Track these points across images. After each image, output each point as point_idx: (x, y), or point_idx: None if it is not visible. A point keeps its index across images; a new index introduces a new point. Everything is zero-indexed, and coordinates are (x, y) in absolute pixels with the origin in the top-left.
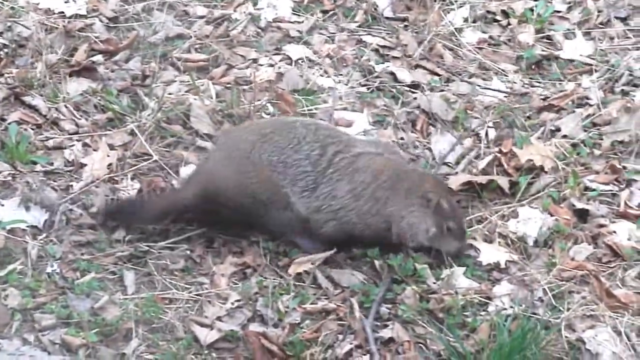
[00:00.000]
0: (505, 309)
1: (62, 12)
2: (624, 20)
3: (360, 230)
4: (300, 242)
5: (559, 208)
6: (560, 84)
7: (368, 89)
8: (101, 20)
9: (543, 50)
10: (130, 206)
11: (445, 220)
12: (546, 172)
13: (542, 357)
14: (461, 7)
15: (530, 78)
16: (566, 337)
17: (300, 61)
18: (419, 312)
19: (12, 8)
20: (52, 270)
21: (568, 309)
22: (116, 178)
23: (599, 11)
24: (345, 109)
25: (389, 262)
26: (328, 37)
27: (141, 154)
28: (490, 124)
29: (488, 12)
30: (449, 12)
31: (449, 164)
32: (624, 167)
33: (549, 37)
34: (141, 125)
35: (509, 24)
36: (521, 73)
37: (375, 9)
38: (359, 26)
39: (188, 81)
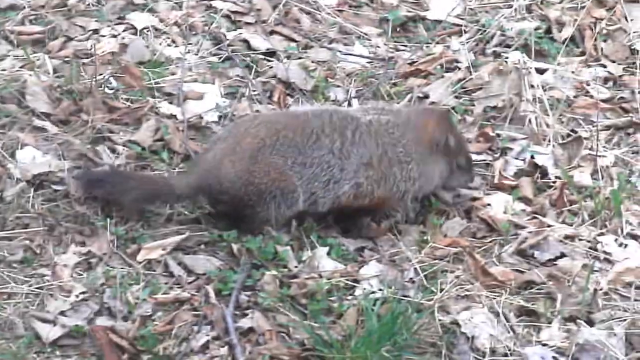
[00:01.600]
0: (373, 292)
1: None
2: None
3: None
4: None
5: None
6: (427, 47)
7: (219, 58)
8: None
9: (408, 11)
10: (112, 178)
11: (455, 157)
12: None
13: (415, 343)
14: None
15: (395, 41)
16: (440, 320)
17: (145, 30)
18: (280, 298)
19: None
20: None
21: (441, 290)
22: None
23: None
24: (195, 80)
25: (247, 245)
26: (175, 3)
27: None
28: (353, 93)
29: None
30: None
31: None
32: (498, 135)
33: None
34: None
35: None
36: (385, 36)
37: None
38: None
39: (23, 56)
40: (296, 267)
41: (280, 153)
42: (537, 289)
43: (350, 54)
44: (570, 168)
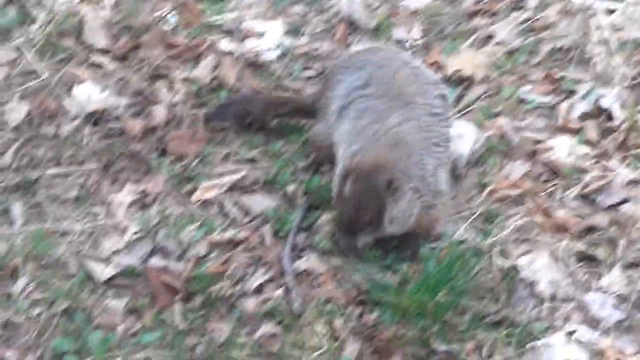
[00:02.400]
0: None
1: None
2: None
3: None
4: None
5: (492, 122)
6: None
7: None
8: None
9: None
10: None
11: None
12: (477, 83)
13: (472, 288)
14: None
15: None
16: (498, 264)
17: None
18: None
19: None
20: None
21: (501, 234)
22: (1, 99)
23: None
24: (255, 17)
25: (305, 186)
26: None
27: (29, 72)
28: (417, 32)
29: None
30: None
31: None
32: (563, 77)
33: None
34: (29, 40)
35: None
36: None
37: None
38: None
39: None
40: None
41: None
42: (599, 235)
43: None
44: (636, 111)
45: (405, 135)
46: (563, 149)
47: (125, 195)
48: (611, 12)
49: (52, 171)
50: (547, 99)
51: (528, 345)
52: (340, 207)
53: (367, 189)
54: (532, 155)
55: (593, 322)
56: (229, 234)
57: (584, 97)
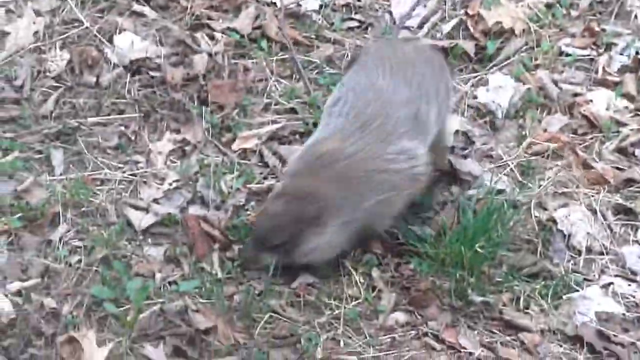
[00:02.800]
0: (470, 187)
1: None
2: None
3: None
4: None
5: (531, 75)
6: None
7: None
8: None
9: None
10: None
11: None
12: (517, 36)
13: (510, 239)
14: None
15: None
16: (536, 216)
17: None
18: None
19: None
20: None
21: (539, 186)
22: (43, 47)
23: None
24: None
25: None
26: None
27: (71, 21)
28: None
29: None
30: None
31: (411, 28)
32: (603, 30)
33: None
34: None
35: None
36: None
37: None
38: None
39: None
40: None
41: None
42: (637, 188)
43: None
44: None
45: (352, 170)
46: (602, 102)
47: (164, 144)
48: None
49: (92, 119)
50: (586, 52)
51: (564, 297)
52: (261, 220)
53: (290, 215)
54: (570, 108)
55: (629, 275)
56: (267, 183)
57: (623, 50)
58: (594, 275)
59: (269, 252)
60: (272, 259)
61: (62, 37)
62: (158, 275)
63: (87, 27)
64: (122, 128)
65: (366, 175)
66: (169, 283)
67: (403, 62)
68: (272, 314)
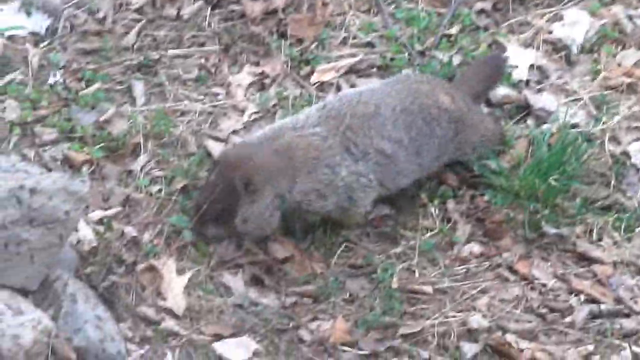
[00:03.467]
0: (544, 121)
1: None
2: None
3: None
4: None
5: (607, 10)
6: None
7: None
8: None
9: None
10: None
11: None
12: None
13: (583, 172)
14: None
15: None
16: (610, 150)
17: None
18: None
19: None
20: (55, 81)
21: (613, 120)
22: None
23: None
24: None
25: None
26: None
27: None
28: None
29: None
30: None
31: None
32: None
33: None
34: None
35: None
36: None
37: None
38: None
39: None
40: None
41: None
42: None
43: None
44: None
45: (297, 148)
46: None
47: (244, 77)
48: None
49: (173, 52)
50: None
51: (637, 230)
52: (200, 191)
53: (224, 183)
54: None
55: None
56: None
57: None
58: None
59: (210, 224)
60: (215, 232)
61: None
62: None
63: None
64: (202, 61)
65: (311, 160)
66: None
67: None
68: (349, 244)
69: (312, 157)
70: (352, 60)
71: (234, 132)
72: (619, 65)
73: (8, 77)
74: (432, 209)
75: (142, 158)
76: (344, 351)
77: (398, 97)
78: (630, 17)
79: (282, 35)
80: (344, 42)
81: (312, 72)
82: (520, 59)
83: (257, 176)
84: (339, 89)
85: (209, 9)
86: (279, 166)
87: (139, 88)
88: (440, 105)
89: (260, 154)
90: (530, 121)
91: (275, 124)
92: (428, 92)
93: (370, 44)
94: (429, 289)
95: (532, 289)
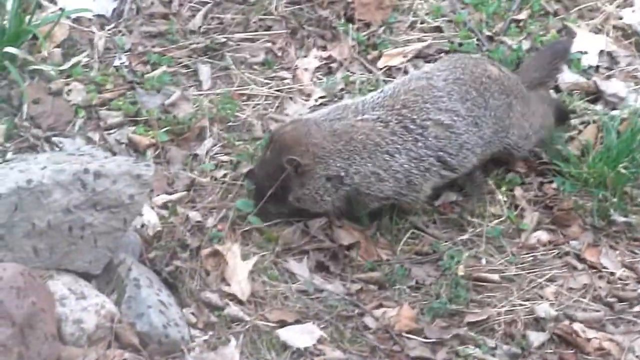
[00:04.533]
0: (614, 108)
1: None
2: None
3: None
4: None
5: None
6: None
7: None
8: None
9: None
10: None
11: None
12: None
13: None
14: None
15: None
16: None
17: None
18: None
19: None
20: (121, 63)
21: None
22: None
23: None
24: None
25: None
26: None
27: None
28: None
29: None
30: None
31: None
32: None
33: None
34: None
35: None
36: None
37: None
38: None
39: None
40: None
41: None
42: None
43: None
44: None
45: (357, 132)
46: None
47: (311, 61)
48: None
49: (239, 35)
50: None
51: None
52: (256, 169)
53: (276, 162)
54: None
55: None
56: None
57: None
58: None
59: (270, 201)
60: (277, 208)
61: None
62: None
63: None
64: (269, 44)
65: (372, 145)
66: None
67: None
68: (415, 231)
69: (373, 142)
70: (420, 45)
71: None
72: None
73: (74, 60)
74: (500, 196)
75: (208, 142)
76: (409, 339)
77: (448, 69)
78: None
79: (350, 19)
80: (411, 26)
81: (379, 57)
82: (590, 44)
83: (307, 158)
84: (406, 73)
85: None
86: (336, 148)
87: (205, 71)
88: (489, 75)
89: (315, 134)
90: (599, 107)
91: (336, 104)
92: (475, 63)
93: (438, 29)
94: (495, 277)
95: (600, 277)
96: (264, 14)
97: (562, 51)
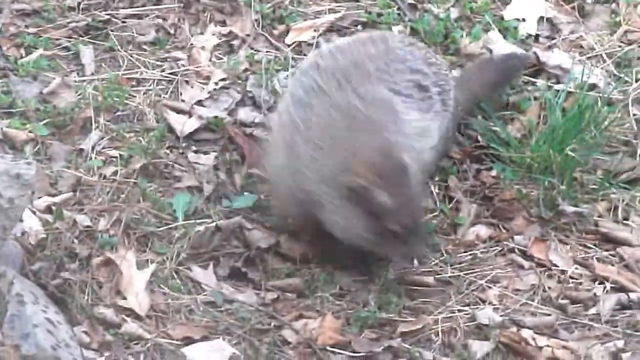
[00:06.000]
0: (558, 81)
1: None
2: None
3: None
4: None
5: None
6: None
7: None
8: None
9: None
10: None
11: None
12: None
13: (604, 140)
14: None
15: None
16: (634, 114)
17: None
18: None
19: None
20: None
21: (637, 80)
22: None
23: None
24: None
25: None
26: None
27: None
28: None
29: None
30: None
31: None
32: None
33: None
34: None
35: None
36: None
37: None
38: None
39: None
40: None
41: None
42: None
43: None
44: None
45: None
46: None
47: (208, 38)
48: None
49: (125, 11)
50: None
51: None
52: None
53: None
54: None
55: None
56: None
57: None
58: None
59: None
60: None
61: None
62: (206, 188)
63: None
64: (160, 20)
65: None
66: (219, 197)
67: None
68: None
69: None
70: (333, 17)
71: (199, 102)
72: None
73: None
74: (431, 187)
75: (94, 135)
76: (335, 353)
77: None
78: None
79: None
80: None
81: (287, 31)
82: (528, 11)
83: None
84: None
85: None
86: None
87: (87, 54)
88: None
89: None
90: (541, 82)
91: None
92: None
93: None
94: (430, 279)
95: (550, 276)
96: None
97: (517, 68)
